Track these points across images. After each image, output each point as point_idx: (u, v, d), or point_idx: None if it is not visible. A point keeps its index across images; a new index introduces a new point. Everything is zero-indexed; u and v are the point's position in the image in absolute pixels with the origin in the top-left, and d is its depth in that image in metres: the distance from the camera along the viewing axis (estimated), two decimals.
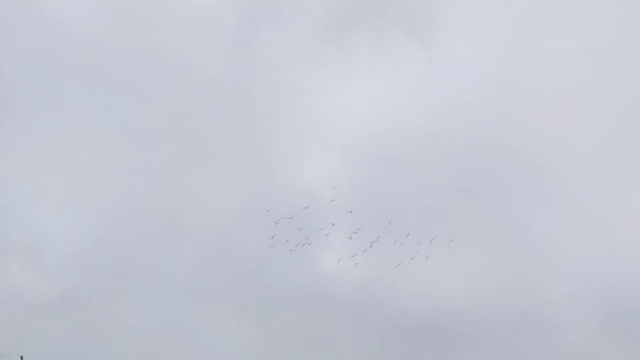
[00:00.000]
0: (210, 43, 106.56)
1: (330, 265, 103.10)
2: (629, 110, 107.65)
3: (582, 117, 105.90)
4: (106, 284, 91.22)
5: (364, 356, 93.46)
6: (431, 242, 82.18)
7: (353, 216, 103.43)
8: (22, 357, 14.35)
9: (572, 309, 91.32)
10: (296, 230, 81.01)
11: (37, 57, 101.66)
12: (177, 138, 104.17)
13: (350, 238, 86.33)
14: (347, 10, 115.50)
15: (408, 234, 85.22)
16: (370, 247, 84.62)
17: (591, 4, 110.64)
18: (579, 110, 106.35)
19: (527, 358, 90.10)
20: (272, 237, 79.61)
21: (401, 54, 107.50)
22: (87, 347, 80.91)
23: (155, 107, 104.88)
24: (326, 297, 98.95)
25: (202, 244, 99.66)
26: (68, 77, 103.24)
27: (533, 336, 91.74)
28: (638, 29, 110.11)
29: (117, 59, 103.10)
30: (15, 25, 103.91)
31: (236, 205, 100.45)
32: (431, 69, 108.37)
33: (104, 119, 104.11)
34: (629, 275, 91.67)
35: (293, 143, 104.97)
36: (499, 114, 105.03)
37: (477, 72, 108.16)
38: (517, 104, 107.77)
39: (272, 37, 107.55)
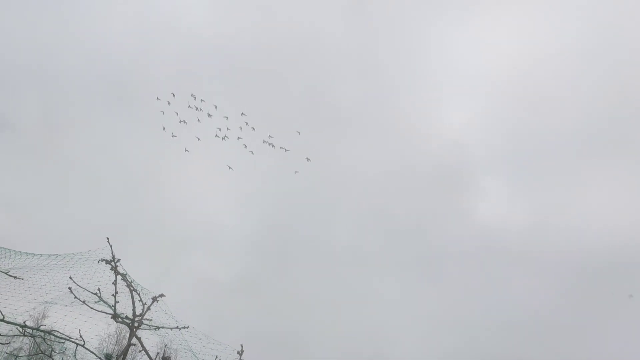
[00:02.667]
0: (329, 14, 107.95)
1: (490, 216, 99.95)
2: None
3: None
4: (277, 263, 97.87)
5: (534, 302, 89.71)
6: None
7: (504, 154, 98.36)
8: (241, 346, 16.45)
9: None
10: None
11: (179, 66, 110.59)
12: (316, 115, 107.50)
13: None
14: None
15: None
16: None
17: None
18: None
19: None
20: None
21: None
22: (265, 320, 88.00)
23: (290, 89, 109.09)
24: (493, 247, 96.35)
25: (358, 211, 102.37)
26: (212, 72, 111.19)
27: None
28: None
29: (247, 49, 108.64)
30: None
31: (382, 167, 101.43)
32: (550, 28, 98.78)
33: (249, 113, 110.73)
34: None
35: (425, 96, 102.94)
36: None
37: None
38: None
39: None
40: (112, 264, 19.08)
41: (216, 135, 77.88)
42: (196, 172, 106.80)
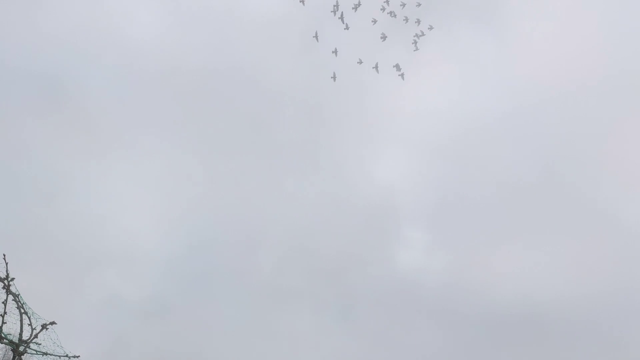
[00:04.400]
0: (276, 51, 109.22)
1: (411, 263, 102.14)
2: None
3: None
4: (194, 288, 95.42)
5: (452, 352, 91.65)
6: None
7: (429, 211, 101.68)
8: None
9: None
10: None
11: (119, 76, 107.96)
12: (252, 145, 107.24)
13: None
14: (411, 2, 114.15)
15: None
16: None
17: None
18: None
19: (626, 342, 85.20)
20: None
21: (470, 40, 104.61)
22: (176, 348, 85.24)
23: (230, 117, 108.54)
24: (408, 295, 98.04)
25: (283, 247, 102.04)
26: (151, 93, 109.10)
27: (630, 322, 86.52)
28: None
29: (191, 71, 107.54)
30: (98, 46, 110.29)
31: (311, 207, 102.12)
32: (501, 53, 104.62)
33: (185, 132, 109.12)
34: None
35: (360, 142, 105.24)
36: (577, 101, 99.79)
37: (551, 54, 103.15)
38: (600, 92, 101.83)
39: (335, 39, 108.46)
40: (5, 282, 18.08)
41: None
42: (120, 185, 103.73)
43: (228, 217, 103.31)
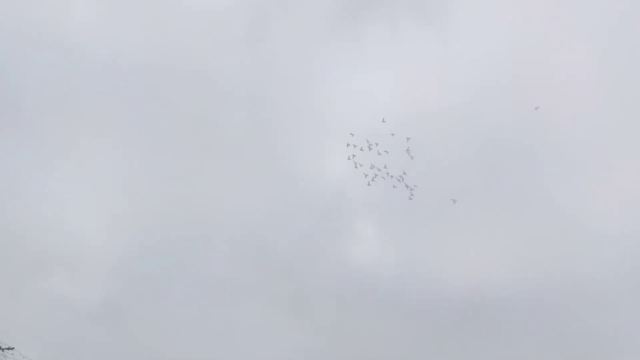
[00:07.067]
0: (221, 44, 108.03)
1: (363, 256, 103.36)
2: None
3: (604, 91, 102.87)
4: (144, 288, 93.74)
5: (406, 341, 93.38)
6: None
7: (381, 201, 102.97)
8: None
9: (611, 277, 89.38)
10: None
11: (57, 73, 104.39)
12: (199, 141, 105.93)
13: None
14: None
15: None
16: None
17: None
18: (599, 86, 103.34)
19: (570, 329, 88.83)
20: None
21: (414, 38, 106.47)
22: (127, 350, 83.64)
23: (174, 113, 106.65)
24: (361, 288, 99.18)
25: (234, 244, 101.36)
26: (92, 90, 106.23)
27: (574, 307, 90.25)
28: None
29: (132, 66, 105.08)
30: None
31: (262, 203, 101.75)
32: (445, 51, 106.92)
33: (128, 130, 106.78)
34: None
35: (310, 137, 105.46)
36: (515, 94, 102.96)
37: (492, 51, 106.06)
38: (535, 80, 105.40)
39: (283, 33, 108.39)
40: None
41: None
42: (64, 186, 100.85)
43: (177, 214, 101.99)
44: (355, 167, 79.91)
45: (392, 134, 77.52)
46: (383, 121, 77.53)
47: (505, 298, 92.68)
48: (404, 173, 79.65)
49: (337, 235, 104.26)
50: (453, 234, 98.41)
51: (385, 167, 79.76)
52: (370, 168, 79.58)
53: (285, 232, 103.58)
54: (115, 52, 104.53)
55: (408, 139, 79.50)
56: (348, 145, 79.97)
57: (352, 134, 79.68)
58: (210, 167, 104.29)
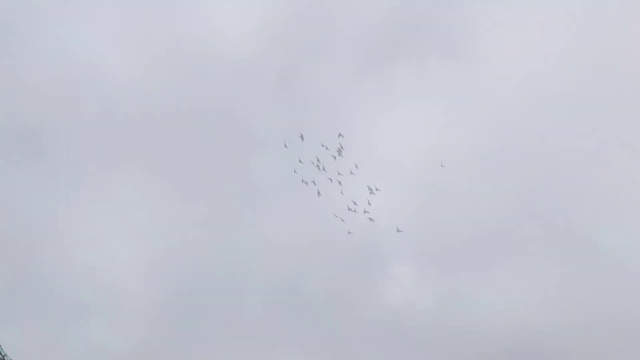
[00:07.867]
0: (253, 90, 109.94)
1: (399, 298, 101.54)
2: None
3: None
4: (180, 335, 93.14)
5: None
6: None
7: (414, 243, 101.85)
8: None
9: None
10: None
11: (95, 123, 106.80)
12: (232, 188, 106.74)
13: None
14: (384, 41, 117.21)
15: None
16: None
17: None
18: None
19: None
20: None
21: (442, 77, 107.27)
22: None
23: (210, 160, 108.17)
24: (398, 330, 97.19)
25: (269, 289, 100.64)
26: (130, 139, 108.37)
27: (620, 350, 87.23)
28: None
29: (166, 115, 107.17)
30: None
31: (297, 247, 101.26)
32: (473, 88, 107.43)
33: (164, 178, 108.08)
34: None
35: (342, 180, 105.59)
36: (548, 129, 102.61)
37: (521, 86, 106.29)
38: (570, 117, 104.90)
39: (313, 76, 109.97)
40: None
41: None
42: (102, 234, 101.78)
43: (212, 261, 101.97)
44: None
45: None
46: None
47: (548, 342, 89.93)
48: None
49: (372, 276, 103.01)
50: (492, 274, 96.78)
51: None
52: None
53: (319, 276, 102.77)
54: (151, 102, 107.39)
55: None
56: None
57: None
58: (244, 213, 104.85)
